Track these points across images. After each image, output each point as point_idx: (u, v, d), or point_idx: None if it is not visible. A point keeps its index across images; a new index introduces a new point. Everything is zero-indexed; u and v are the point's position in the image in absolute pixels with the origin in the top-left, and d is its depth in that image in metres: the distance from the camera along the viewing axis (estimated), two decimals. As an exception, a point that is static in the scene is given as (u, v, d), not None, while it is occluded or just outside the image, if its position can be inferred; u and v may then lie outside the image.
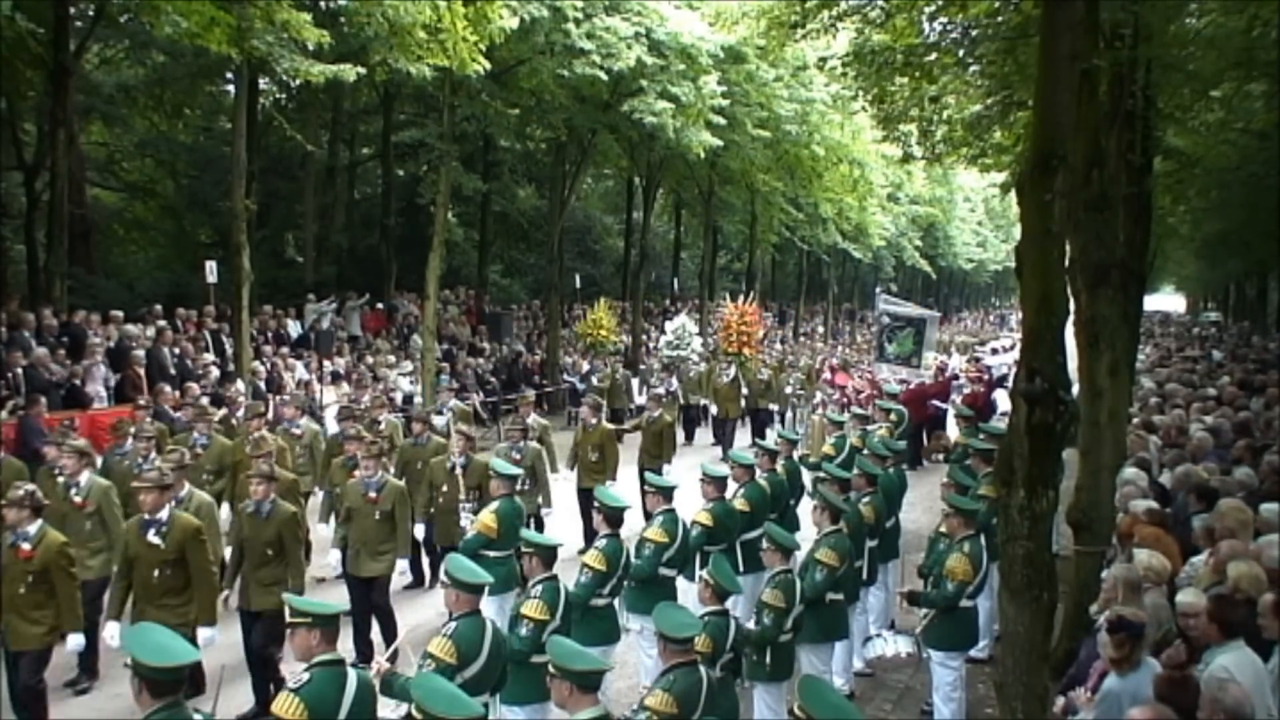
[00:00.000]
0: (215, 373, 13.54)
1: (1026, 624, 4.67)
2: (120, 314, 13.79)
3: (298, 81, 14.64)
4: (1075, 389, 6.07)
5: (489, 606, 6.10)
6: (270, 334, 16.08)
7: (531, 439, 9.56)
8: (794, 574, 6.04)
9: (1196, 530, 6.20)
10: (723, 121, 19.02)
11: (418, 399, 15.57)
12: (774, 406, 17.92)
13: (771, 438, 10.69)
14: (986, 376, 18.76)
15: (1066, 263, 5.54)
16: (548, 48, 16.14)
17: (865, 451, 9.01)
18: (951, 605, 6.34)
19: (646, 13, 17.21)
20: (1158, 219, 13.81)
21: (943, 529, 7.04)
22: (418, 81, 14.48)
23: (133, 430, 8.77)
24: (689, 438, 18.28)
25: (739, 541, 7.53)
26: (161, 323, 14.16)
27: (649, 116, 17.27)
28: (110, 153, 22.51)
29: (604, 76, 16.38)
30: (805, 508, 8.22)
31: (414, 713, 3.82)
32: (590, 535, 8.99)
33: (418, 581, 9.33)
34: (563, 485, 10.41)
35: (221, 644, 6.29)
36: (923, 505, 12.12)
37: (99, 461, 8.44)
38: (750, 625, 5.81)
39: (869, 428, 10.97)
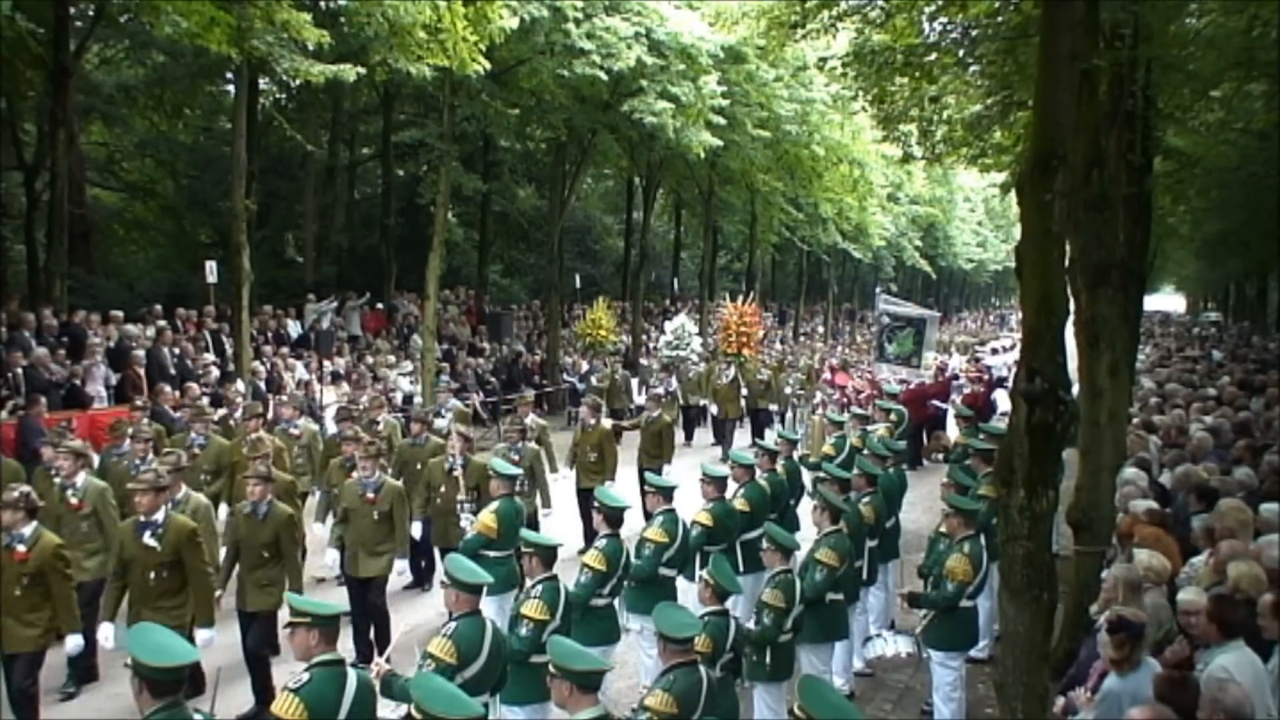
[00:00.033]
0: (215, 373, 13.53)
1: (1026, 624, 4.68)
2: (120, 314, 13.79)
3: (298, 81, 14.64)
4: (1075, 389, 6.08)
5: (489, 606, 6.10)
6: (270, 334, 16.07)
7: (530, 439, 9.55)
8: (794, 574, 6.04)
9: (1196, 530, 6.20)
10: (723, 121, 19.00)
11: (418, 399, 15.56)
12: (774, 407, 17.90)
13: (771, 438, 10.68)
14: (986, 376, 18.78)
15: (1066, 263, 5.54)
16: (548, 48, 16.13)
17: (865, 451, 9.01)
18: (951, 605, 6.34)
19: (646, 13, 17.20)
20: (1158, 219, 13.81)
21: (943, 529, 7.04)
22: (418, 81, 14.47)
23: (130, 431, 8.74)
24: (689, 438, 18.27)
25: (739, 541, 7.53)
26: (161, 323, 14.16)
27: (649, 116, 17.26)
28: (110, 153, 22.50)
29: (604, 76, 16.37)
30: (805, 508, 8.22)
31: (414, 713, 3.81)
32: (590, 535, 8.99)
33: (417, 582, 9.33)
34: (562, 485, 10.41)
35: (220, 644, 6.28)
36: (923, 505, 12.12)
37: (96, 462, 8.42)
38: (750, 625, 5.81)
39: (869, 428, 10.97)
